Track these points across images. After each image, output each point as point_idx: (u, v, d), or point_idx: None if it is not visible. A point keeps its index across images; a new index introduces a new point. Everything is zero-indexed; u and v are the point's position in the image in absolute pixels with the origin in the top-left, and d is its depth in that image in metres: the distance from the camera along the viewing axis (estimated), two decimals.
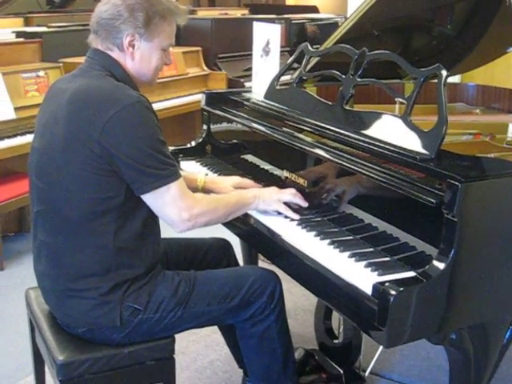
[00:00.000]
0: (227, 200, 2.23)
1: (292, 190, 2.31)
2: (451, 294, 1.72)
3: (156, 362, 2.08)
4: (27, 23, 7.77)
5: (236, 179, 2.51)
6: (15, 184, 4.32)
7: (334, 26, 8.30)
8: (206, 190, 2.48)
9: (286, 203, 2.28)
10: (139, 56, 2.07)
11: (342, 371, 2.68)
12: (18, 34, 5.37)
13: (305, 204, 2.28)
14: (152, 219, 2.08)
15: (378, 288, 1.68)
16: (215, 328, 2.93)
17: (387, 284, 1.67)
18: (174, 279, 2.11)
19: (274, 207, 2.27)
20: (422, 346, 3.05)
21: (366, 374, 2.75)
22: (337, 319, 2.83)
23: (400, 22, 3.14)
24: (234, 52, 6.62)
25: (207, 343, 3.07)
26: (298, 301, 3.37)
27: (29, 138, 4.33)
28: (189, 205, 2.01)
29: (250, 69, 6.33)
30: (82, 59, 4.90)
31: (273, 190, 2.34)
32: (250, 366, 2.37)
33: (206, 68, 6.35)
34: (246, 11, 11.38)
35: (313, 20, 8.31)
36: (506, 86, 3.35)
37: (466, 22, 3.18)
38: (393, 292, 1.63)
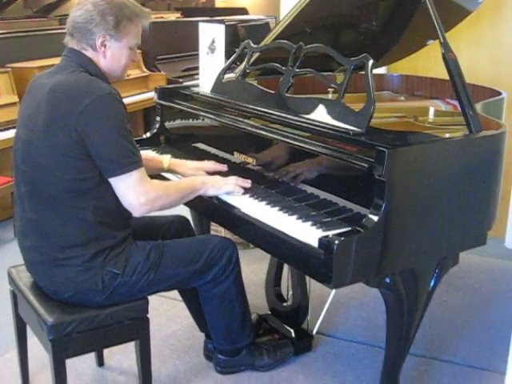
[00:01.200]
0: (179, 186, 2.53)
1: (235, 177, 2.61)
2: (385, 242, 2.07)
3: (133, 320, 2.38)
4: None
5: (198, 163, 2.80)
6: None
7: (265, 26, 8.60)
8: (171, 171, 2.80)
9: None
10: (110, 54, 2.36)
11: (292, 331, 3.01)
12: None
13: (248, 185, 2.58)
14: None
15: (323, 240, 2.01)
16: (175, 303, 3.26)
17: (330, 236, 2.01)
18: (146, 247, 2.41)
19: (224, 189, 2.55)
20: (363, 309, 3.41)
21: (314, 332, 3.08)
22: (285, 285, 3.16)
23: (330, 20, 3.42)
24: (172, 53, 6.91)
25: (168, 316, 3.35)
26: (248, 277, 3.68)
27: None
28: (147, 190, 2.29)
29: (188, 69, 6.68)
30: (28, 64, 5.14)
31: (218, 177, 2.63)
32: (212, 326, 2.69)
33: (145, 69, 6.57)
34: (178, 14, 11.64)
35: (244, 21, 8.59)
36: (427, 75, 3.71)
37: (389, 19, 3.47)
38: (336, 242, 1.96)
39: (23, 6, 14.36)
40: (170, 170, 2.81)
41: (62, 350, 2.26)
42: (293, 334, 3.00)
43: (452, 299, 3.54)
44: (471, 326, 3.28)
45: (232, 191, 2.55)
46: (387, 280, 2.22)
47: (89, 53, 2.35)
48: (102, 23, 2.30)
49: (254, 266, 3.84)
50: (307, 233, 2.15)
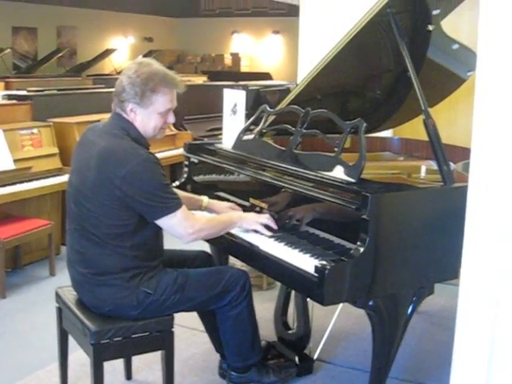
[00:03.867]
0: (220, 219, 3.06)
1: (267, 216, 3.08)
2: (369, 270, 2.54)
3: (160, 333, 2.87)
4: (7, 87, 8.60)
5: (228, 204, 3.31)
6: (11, 226, 4.93)
7: (286, 91, 9.14)
8: (207, 210, 3.29)
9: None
10: (140, 119, 2.83)
11: (295, 355, 3.45)
12: (10, 97, 6.17)
13: (275, 227, 3.04)
14: (155, 237, 2.89)
15: (318, 267, 2.49)
16: (194, 332, 3.74)
17: (324, 263, 2.49)
18: (173, 273, 2.91)
19: (254, 227, 3.04)
20: (360, 342, 3.84)
21: (315, 357, 3.52)
22: (291, 317, 3.62)
23: (338, 89, 3.90)
24: (198, 114, 7.49)
25: (188, 343, 3.81)
26: (260, 313, 4.02)
27: (25, 185, 5.09)
28: (192, 223, 2.82)
29: (212, 129, 7.24)
30: (68, 119, 5.72)
31: (253, 214, 3.13)
32: (226, 344, 3.14)
33: (173, 129, 7.13)
34: (204, 78, 12.33)
35: (267, 86, 9.14)
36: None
37: (391, 89, 3.95)
38: (328, 267, 2.45)
39: (56, 64, 15.32)
40: (206, 209, 3.28)
41: (101, 353, 2.75)
42: (296, 358, 3.44)
43: (440, 337, 3.96)
44: None
45: (260, 230, 3.01)
46: (370, 303, 2.69)
47: (125, 115, 2.84)
48: (130, 93, 2.78)
49: (265, 305, 4.28)
50: (306, 262, 2.63)
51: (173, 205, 2.76)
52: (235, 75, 14.47)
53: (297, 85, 3.86)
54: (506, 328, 2.14)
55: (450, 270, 2.85)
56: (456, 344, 2.26)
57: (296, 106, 3.29)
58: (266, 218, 3.06)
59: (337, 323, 3.84)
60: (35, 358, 3.67)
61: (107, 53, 15.78)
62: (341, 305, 3.88)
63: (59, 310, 3.09)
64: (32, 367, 3.55)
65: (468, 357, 2.22)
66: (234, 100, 3.77)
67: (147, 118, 2.84)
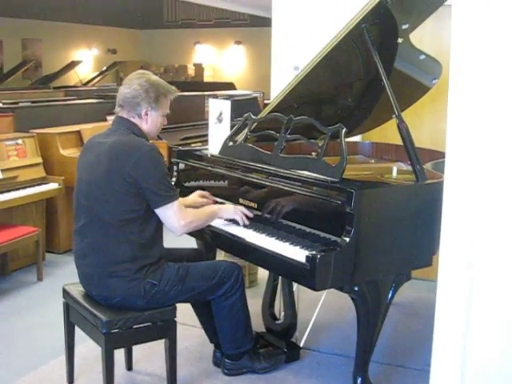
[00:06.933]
0: (204, 211, 3.36)
1: (241, 207, 3.42)
2: (354, 259, 2.84)
3: (164, 322, 3.14)
4: None
5: (196, 192, 3.69)
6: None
7: (254, 100, 9.33)
8: None
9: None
10: (150, 120, 3.19)
11: (283, 343, 3.74)
12: None
13: (251, 215, 3.39)
14: (158, 228, 3.16)
15: (309, 256, 2.78)
16: (185, 327, 4.01)
17: (314, 253, 2.78)
18: (175, 266, 3.19)
19: (233, 216, 3.38)
20: (342, 331, 4.14)
21: (301, 345, 3.81)
22: (278, 307, 3.91)
23: (313, 97, 4.18)
24: (171, 124, 7.72)
25: (181, 336, 3.96)
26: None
27: (12, 194, 5.28)
28: (184, 215, 3.11)
29: (186, 138, 7.48)
30: (50, 130, 5.92)
31: (231, 206, 3.47)
32: (221, 333, 3.43)
33: None
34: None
35: (232, 96, 9.38)
36: (396, 142, 4.46)
37: (362, 96, 4.24)
38: (318, 256, 2.75)
39: (22, 76, 15.40)
40: None
41: (112, 342, 3.01)
42: (284, 346, 3.73)
43: (413, 325, 4.30)
44: (430, 343, 4.00)
45: (239, 219, 3.35)
46: (356, 288, 2.99)
47: (135, 120, 3.17)
48: (146, 98, 3.13)
49: (249, 301, 4.54)
50: (297, 253, 2.93)
51: (172, 195, 3.08)
52: (199, 85, 14.62)
53: (263, 94, 4.11)
54: (480, 305, 2.44)
55: (424, 258, 3.18)
56: (436, 325, 2.54)
57: (279, 114, 3.57)
58: (242, 207, 3.41)
59: (320, 315, 4.14)
60: (34, 355, 3.88)
61: (73, 65, 15.89)
62: (322, 298, 4.19)
63: (66, 306, 3.33)
64: (33, 364, 3.75)
65: (447, 336, 2.51)
66: (219, 109, 4.03)
67: (156, 119, 3.22)
